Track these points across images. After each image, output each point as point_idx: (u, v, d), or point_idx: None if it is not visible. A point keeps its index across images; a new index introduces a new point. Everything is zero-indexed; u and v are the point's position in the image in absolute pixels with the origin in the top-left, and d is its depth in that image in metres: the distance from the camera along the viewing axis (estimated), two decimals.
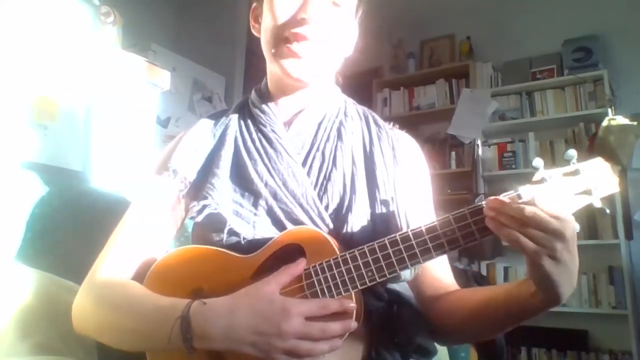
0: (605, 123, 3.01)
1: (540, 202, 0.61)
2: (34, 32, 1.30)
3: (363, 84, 3.83)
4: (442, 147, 3.75)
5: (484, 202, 0.66)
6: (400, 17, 3.86)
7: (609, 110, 3.14)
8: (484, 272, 3.32)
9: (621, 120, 2.98)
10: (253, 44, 3.74)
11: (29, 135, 1.28)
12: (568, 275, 0.63)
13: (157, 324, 0.67)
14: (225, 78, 3.57)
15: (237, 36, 3.61)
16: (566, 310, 3.14)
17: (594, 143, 3.03)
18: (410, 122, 3.70)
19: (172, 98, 3.06)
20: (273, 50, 0.79)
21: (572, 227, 0.62)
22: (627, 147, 2.90)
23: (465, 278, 2.56)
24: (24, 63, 1.28)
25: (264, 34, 0.82)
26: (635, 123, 2.93)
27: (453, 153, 3.69)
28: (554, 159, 3.35)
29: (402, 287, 0.80)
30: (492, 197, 0.65)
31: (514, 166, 3.46)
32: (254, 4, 0.87)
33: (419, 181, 0.89)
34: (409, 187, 0.84)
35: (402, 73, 4.06)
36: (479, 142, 3.56)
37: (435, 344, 0.82)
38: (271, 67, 0.84)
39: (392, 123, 0.93)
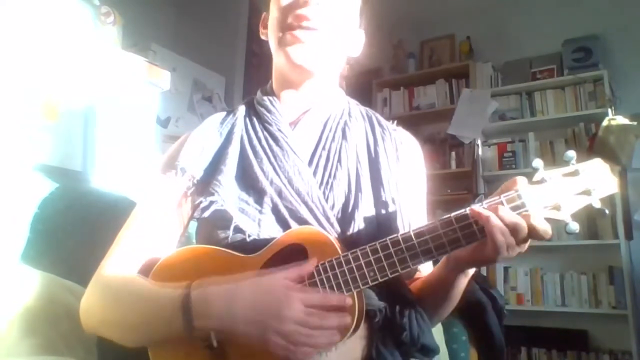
0: (605, 123, 3.02)
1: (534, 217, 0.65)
2: (34, 32, 1.30)
3: (363, 84, 3.83)
4: (442, 147, 3.75)
5: (485, 204, 0.67)
6: (400, 17, 3.86)
7: (609, 110, 3.13)
8: (484, 272, 3.32)
9: (621, 120, 2.99)
10: (253, 44, 3.76)
11: (29, 136, 1.28)
12: None
13: (158, 308, 0.69)
14: (225, 78, 3.57)
15: (237, 36, 3.62)
16: (566, 310, 3.15)
17: (594, 143, 3.02)
18: (410, 122, 3.69)
19: (172, 98, 3.06)
20: (278, 37, 0.81)
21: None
22: (627, 147, 2.91)
23: None
24: (24, 63, 1.28)
25: (270, 26, 0.84)
26: (635, 123, 2.94)
27: (453, 153, 3.68)
28: (554, 159, 3.35)
29: (404, 287, 0.81)
30: (491, 202, 0.67)
31: (514, 166, 3.45)
32: (264, 14, 0.90)
33: (417, 183, 0.91)
34: (409, 188, 0.86)
35: (402, 73, 4.06)
36: (479, 142, 3.55)
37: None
38: (276, 60, 0.86)
39: (394, 122, 0.94)
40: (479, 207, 0.66)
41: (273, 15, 0.83)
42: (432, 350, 0.78)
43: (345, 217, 0.77)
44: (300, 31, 0.79)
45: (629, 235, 2.93)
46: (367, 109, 0.95)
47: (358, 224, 0.76)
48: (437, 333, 1.34)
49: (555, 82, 3.46)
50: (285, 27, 0.80)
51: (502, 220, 0.64)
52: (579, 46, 3.36)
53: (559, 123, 3.40)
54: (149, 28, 3.01)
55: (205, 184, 0.81)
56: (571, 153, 0.68)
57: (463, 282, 0.79)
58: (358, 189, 0.79)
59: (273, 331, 0.61)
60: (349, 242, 0.74)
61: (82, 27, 1.43)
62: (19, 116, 1.26)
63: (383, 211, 0.79)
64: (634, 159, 2.87)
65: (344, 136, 0.85)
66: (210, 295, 0.66)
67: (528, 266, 3.31)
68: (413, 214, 0.83)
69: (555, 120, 3.41)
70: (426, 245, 0.68)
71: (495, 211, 0.65)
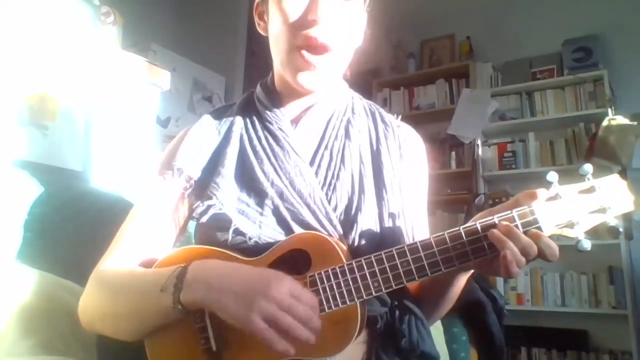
0: (605, 123, 3.02)
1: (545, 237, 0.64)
2: (34, 32, 1.30)
3: (363, 84, 3.83)
4: (442, 147, 3.74)
5: (495, 218, 0.65)
6: (400, 17, 3.86)
7: (609, 110, 3.13)
8: None
9: (621, 120, 2.99)
10: (253, 44, 3.76)
11: (29, 135, 1.28)
12: None
13: (156, 277, 0.70)
14: (225, 78, 3.57)
15: (237, 36, 3.62)
16: (566, 310, 3.15)
17: (594, 143, 3.02)
18: (410, 122, 3.63)
19: (172, 98, 3.06)
20: (286, 59, 0.76)
21: None
22: (627, 147, 2.90)
23: None
24: (24, 63, 1.28)
25: (273, 37, 0.79)
26: (635, 123, 2.94)
27: (453, 153, 3.68)
28: (554, 159, 3.34)
29: (405, 293, 0.79)
30: (505, 222, 0.64)
31: (514, 166, 3.45)
32: (257, 1, 0.84)
33: (419, 181, 0.89)
34: (411, 187, 0.84)
35: (402, 73, 4.06)
36: (479, 142, 3.55)
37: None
38: (281, 71, 0.81)
39: (398, 117, 0.92)
40: (498, 232, 0.64)
41: (276, 26, 0.76)
42: (432, 358, 0.76)
43: (348, 220, 0.75)
44: (311, 56, 0.74)
45: (629, 235, 2.93)
46: (371, 103, 0.92)
47: (361, 227, 0.74)
48: (438, 334, 1.34)
49: (555, 82, 3.46)
50: (293, 48, 0.75)
51: (516, 243, 0.63)
52: (579, 46, 3.36)
53: (559, 123, 3.39)
54: (149, 28, 3.01)
55: (203, 184, 0.79)
56: (588, 167, 0.65)
57: (462, 280, 0.78)
58: (361, 190, 0.77)
59: (257, 310, 0.60)
60: (351, 245, 0.73)
61: (82, 27, 1.43)
62: (19, 115, 1.26)
63: (385, 214, 0.77)
64: (634, 159, 2.86)
65: (347, 135, 0.82)
66: (205, 268, 0.67)
67: (528, 266, 3.29)
68: (414, 214, 0.82)
69: (555, 120, 3.40)
70: (433, 258, 0.66)
71: (509, 234, 0.63)
